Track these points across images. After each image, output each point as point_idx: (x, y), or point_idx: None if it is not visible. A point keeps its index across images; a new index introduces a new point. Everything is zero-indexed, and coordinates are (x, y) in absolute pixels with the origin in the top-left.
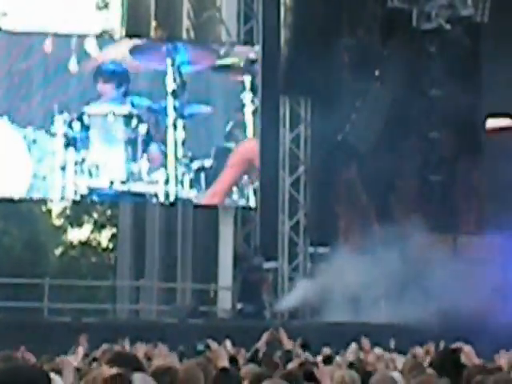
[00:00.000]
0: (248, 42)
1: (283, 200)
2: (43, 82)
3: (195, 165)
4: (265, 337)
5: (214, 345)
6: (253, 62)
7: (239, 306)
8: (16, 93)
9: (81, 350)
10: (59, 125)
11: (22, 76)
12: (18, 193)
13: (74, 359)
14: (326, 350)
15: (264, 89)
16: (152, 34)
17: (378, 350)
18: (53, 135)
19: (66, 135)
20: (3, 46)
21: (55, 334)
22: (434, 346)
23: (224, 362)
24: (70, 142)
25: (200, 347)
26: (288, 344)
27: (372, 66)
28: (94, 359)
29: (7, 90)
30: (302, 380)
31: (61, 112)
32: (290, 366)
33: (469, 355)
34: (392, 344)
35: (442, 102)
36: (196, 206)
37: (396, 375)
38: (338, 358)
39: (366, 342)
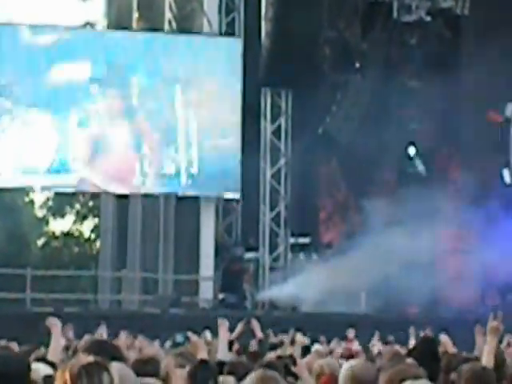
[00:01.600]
0: (229, 33)
1: (264, 191)
2: None
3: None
4: (238, 328)
5: (193, 337)
6: None
7: (221, 296)
8: None
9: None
10: None
11: None
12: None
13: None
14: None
15: (245, 80)
16: (134, 25)
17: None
18: None
19: None
20: None
21: (38, 324)
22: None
23: (203, 354)
24: None
25: (179, 339)
26: (260, 334)
27: (352, 58)
28: (75, 350)
29: None
30: (283, 370)
31: None
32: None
33: (446, 344)
34: (376, 336)
35: (422, 94)
36: (178, 198)
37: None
38: (317, 347)
39: (351, 332)
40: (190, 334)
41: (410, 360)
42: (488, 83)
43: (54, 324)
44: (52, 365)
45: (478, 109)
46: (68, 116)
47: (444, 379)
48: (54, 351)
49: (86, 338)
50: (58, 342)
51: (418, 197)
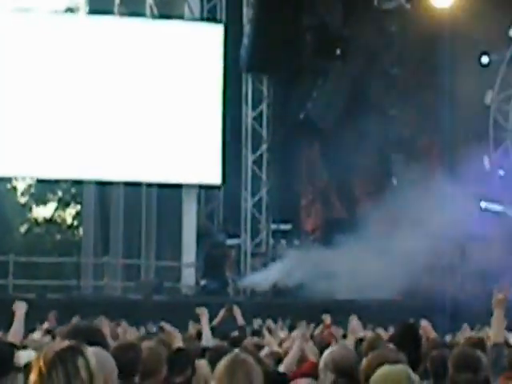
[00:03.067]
0: (211, 19)
1: (246, 178)
2: None
3: None
4: (220, 314)
5: (167, 326)
6: None
7: (203, 282)
8: None
9: (44, 326)
10: None
11: None
12: None
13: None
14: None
15: (227, 66)
16: (115, 11)
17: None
18: None
19: None
20: None
21: None
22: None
23: (179, 343)
24: None
25: (152, 328)
26: (241, 320)
27: (333, 45)
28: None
29: None
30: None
31: None
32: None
33: (426, 330)
34: (355, 321)
35: (402, 81)
36: (160, 185)
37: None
38: (295, 332)
39: (327, 317)
40: (163, 323)
41: (390, 345)
42: (468, 69)
43: (19, 307)
44: (15, 346)
45: (458, 96)
46: None
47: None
48: (15, 333)
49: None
50: (19, 324)
51: (398, 184)
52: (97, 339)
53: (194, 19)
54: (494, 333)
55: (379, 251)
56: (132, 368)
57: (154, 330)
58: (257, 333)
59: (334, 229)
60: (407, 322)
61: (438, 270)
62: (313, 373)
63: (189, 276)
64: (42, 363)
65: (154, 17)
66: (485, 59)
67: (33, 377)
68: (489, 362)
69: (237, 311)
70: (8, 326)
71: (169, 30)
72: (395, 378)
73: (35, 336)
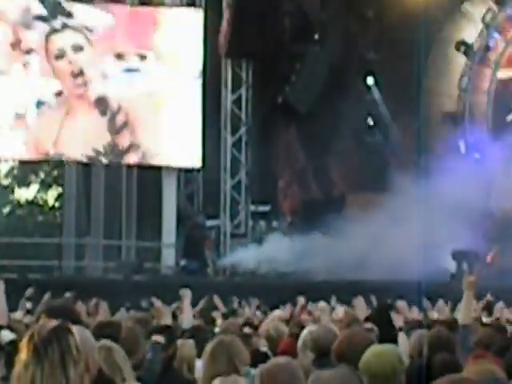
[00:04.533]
0: (191, 4)
1: (225, 160)
2: None
3: None
4: (201, 304)
5: (157, 303)
6: None
7: (182, 262)
8: None
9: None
10: None
11: None
12: None
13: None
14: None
15: (206, 51)
16: None
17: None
18: None
19: None
20: None
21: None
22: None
23: (167, 320)
24: None
25: (144, 305)
26: (223, 309)
27: (311, 30)
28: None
29: None
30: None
31: None
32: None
33: (401, 310)
34: (333, 301)
35: (379, 66)
36: (140, 167)
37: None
38: (277, 313)
39: (301, 299)
40: (154, 299)
41: (368, 325)
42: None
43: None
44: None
45: (435, 82)
46: None
47: None
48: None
49: (43, 302)
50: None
51: (376, 166)
52: (72, 318)
53: (174, 5)
54: (462, 314)
55: (355, 233)
56: None
57: (146, 305)
58: (234, 312)
59: (310, 210)
60: (382, 303)
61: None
62: (291, 351)
63: (169, 256)
64: (37, 341)
65: (133, 2)
66: (461, 45)
67: (25, 355)
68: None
69: (218, 301)
70: None
71: (149, 15)
72: (387, 357)
73: (17, 315)
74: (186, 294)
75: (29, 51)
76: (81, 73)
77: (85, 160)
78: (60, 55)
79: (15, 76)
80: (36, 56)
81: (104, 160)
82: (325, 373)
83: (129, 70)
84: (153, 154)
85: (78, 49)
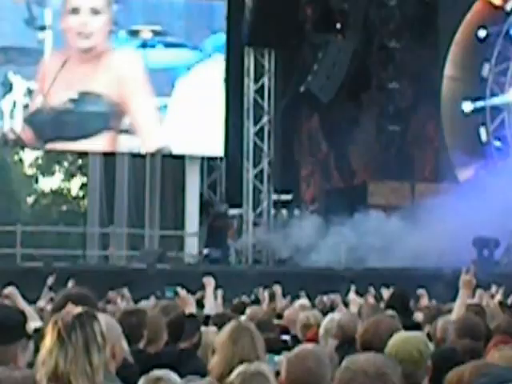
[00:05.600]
0: None
1: (248, 149)
2: None
3: None
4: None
5: (182, 292)
6: None
7: (205, 251)
8: None
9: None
10: None
11: None
12: None
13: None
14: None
15: (229, 40)
16: None
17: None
18: None
19: None
20: None
21: (28, 279)
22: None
23: (191, 309)
24: None
25: (169, 294)
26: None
27: (333, 18)
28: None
29: None
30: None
31: None
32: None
33: (422, 297)
34: (353, 290)
35: (401, 54)
36: (164, 156)
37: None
38: (301, 301)
39: (277, 288)
40: (179, 288)
41: (389, 312)
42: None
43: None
44: None
45: (456, 69)
46: None
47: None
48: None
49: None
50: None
51: (396, 155)
52: (88, 305)
53: None
54: (456, 312)
55: (378, 220)
56: (137, 334)
57: (170, 294)
58: (258, 301)
59: (331, 199)
60: (399, 290)
61: (436, 237)
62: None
63: (192, 245)
64: (61, 327)
65: None
66: (482, 33)
67: (49, 341)
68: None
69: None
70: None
71: (173, 4)
72: (413, 343)
73: (41, 304)
74: (209, 282)
75: (43, 28)
76: (90, 35)
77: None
78: (75, 11)
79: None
80: (50, 33)
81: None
82: (360, 358)
83: (143, 46)
84: (176, 142)
85: (94, 11)
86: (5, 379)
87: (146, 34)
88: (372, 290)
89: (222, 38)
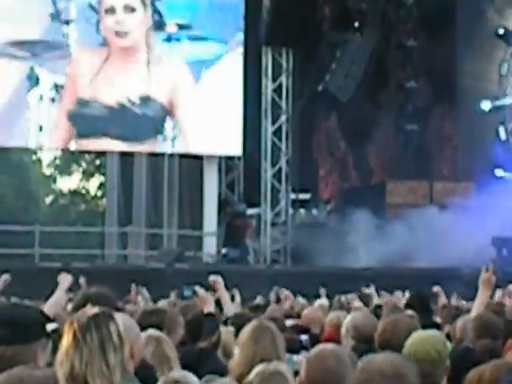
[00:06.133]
0: None
1: (266, 148)
2: None
3: None
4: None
5: (200, 291)
6: None
7: (224, 250)
8: None
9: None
10: None
11: None
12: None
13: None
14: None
15: (247, 40)
16: None
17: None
18: None
19: None
20: None
21: (46, 279)
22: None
23: (210, 308)
24: None
25: (187, 293)
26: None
27: (351, 17)
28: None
29: None
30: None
31: None
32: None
33: (438, 296)
34: (372, 289)
35: (419, 53)
36: (181, 156)
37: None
38: (320, 301)
39: (285, 292)
40: (197, 287)
41: (409, 311)
42: (482, 41)
43: (64, 279)
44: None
45: (474, 68)
46: None
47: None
48: (54, 305)
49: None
50: (61, 296)
51: (414, 154)
52: (107, 305)
53: None
54: (475, 311)
55: (400, 220)
56: None
57: (188, 294)
58: (278, 301)
59: (349, 198)
60: (420, 290)
61: (455, 237)
62: (336, 339)
63: (210, 245)
64: (76, 327)
65: None
66: (501, 30)
67: (65, 341)
68: None
69: (236, 293)
70: (35, 294)
71: (190, 3)
72: (432, 343)
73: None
74: (217, 281)
75: (68, 22)
76: (125, 34)
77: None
78: (110, 11)
79: None
80: (75, 27)
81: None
82: (376, 358)
83: (168, 40)
84: (194, 142)
85: (130, 9)
86: (26, 378)
87: (172, 28)
88: (399, 293)
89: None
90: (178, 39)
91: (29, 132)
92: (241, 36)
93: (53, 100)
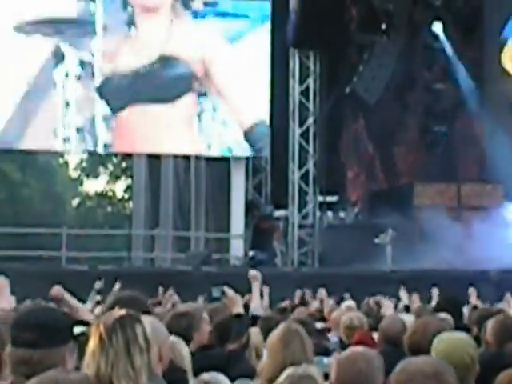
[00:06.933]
0: None
1: (293, 150)
2: None
3: None
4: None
5: (229, 292)
6: None
7: (251, 253)
8: None
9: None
10: None
11: None
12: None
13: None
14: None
15: (274, 42)
16: None
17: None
18: None
19: None
20: None
21: (73, 282)
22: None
23: (239, 309)
24: None
25: (216, 294)
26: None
27: (378, 19)
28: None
29: None
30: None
31: None
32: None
33: (471, 296)
34: (403, 291)
35: (446, 54)
36: (208, 158)
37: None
38: (347, 303)
39: (322, 292)
40: (226, 288)
41: (442, 314)
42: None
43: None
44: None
45: (502, 70)
46: None
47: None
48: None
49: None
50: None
51: (441, 156)
52: (140, 308)
53: None
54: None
55: (427, 221)
56: (186, 336)
57: (217, 294)
58: (304, 303)
59: (377, 201)
60: (450, 292)
61: (481, 240)
62: (366, 342)
63: (237, 247)
64: (102, 330)
65: None
66: None
67: (92, 344)
68: None
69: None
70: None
71: (218, 6)
72: (463, 346)
73: (87, 307)
74: (256, 276)
75: None
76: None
77: None
78: None
79: None
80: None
81: None
82: (414, 359)
83: (195, 17)
84: (221, 144)
85: None
86: (62, 381)
87: (198, 4)
88: (435, 291)
89: (267, 6)
90: (203, 16)
91: (55, 133)
92: (268, 39)
93: (79, 77)
